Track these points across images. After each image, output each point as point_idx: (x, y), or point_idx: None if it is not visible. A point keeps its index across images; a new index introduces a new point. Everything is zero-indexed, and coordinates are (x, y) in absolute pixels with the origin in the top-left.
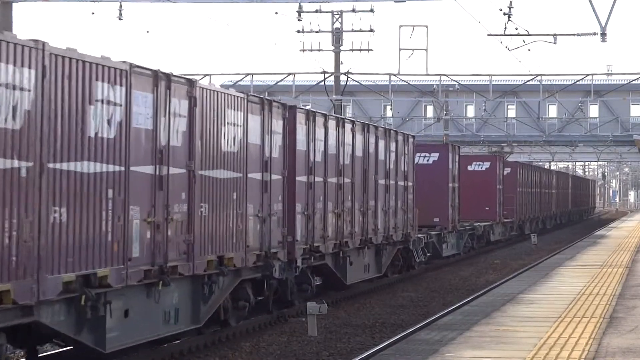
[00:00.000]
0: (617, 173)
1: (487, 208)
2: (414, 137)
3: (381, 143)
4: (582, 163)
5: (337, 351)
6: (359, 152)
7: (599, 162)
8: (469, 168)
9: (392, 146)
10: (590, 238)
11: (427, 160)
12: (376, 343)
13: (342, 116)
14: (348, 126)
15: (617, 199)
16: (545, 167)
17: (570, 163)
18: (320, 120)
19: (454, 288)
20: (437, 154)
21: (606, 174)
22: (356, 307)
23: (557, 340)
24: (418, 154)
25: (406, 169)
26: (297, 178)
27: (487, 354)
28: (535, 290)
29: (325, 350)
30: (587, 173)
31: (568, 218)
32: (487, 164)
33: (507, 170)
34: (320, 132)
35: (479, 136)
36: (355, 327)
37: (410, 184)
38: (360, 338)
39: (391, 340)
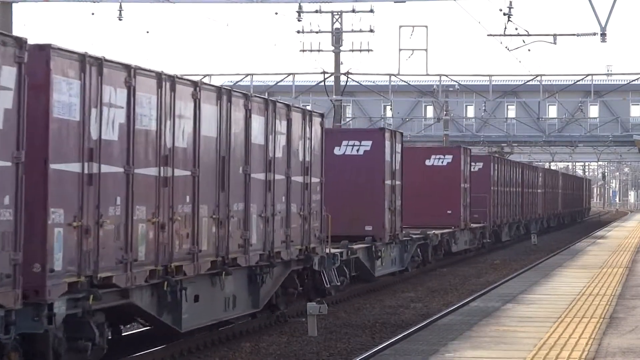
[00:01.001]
0: (617, 173)
1: (448, 211)
2: (322, 115)
3: (257, 120)
4: (582, 163)
5: (337, 351)
6: (209, 132)
7: (599, 162)
8: (427, 162)
9: (280, 126)
10: (590, 238)
11: (357, 151)
12: (376, 343)
13: (173, 74)
14: (185, 90)
15: (617, 199)
16: (546, 166)
17: (570, 163)
18: (117, 76)
19: (454, 288)
20: (369, 142)
21: (606, 174)
22: (356, 307)
23: (557, 340)
24: (344, 142)
25: (308, 159)
26: (55, 166)
27: (487, 354)
28: (536, 290)
29: (325, 351)
30: (587, 173)
31: (558, 221)
32: (449, 158)
33: (479, 165)
34: (116, 94)
35: (479, 136)
36: (355, 327)
37: (315, 180)
38: (360, 338)
39: (391, 340)
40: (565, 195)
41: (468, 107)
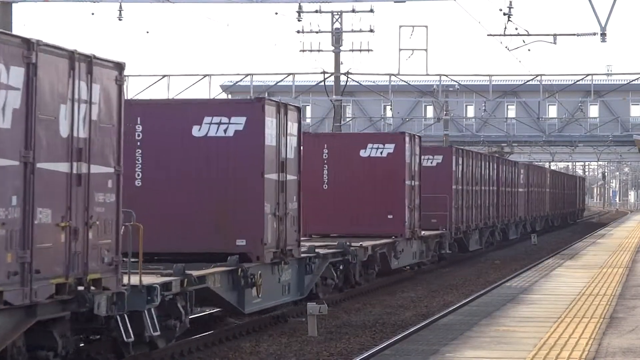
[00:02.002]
0: (617, 173)
1: (389, 216)
2: (119, 66)
3: None
4: (582, 163)
5: (337, 351)
6: None
7: (599, 162)
8: (362, 153)
9: (8, 74)
10: (590, 238)
11: (225, 132)
12: (376, 343)
13: None
14: None
15: (617, 199)
16: (546, 165)
17: (570, 163)
18: None
19: (454, 288)
20: (242, 119)
21: (606, 174)
22: (356, 307)
23: (557, 340)
24: (207, 119)
25: (85, 136)
26: None
27: (487, 354)
28: (536, 290)
29: (325, 351)
30: (587, 173)
31: (545, 224)
32: (389, 147)
33: (438, 159)
34: None
35: (479, 136)
36: (355, 327)
37: (104, 170)
38: (360, 338)
39: (391, 340)
40: (555, 194)
41: (468, 107)
